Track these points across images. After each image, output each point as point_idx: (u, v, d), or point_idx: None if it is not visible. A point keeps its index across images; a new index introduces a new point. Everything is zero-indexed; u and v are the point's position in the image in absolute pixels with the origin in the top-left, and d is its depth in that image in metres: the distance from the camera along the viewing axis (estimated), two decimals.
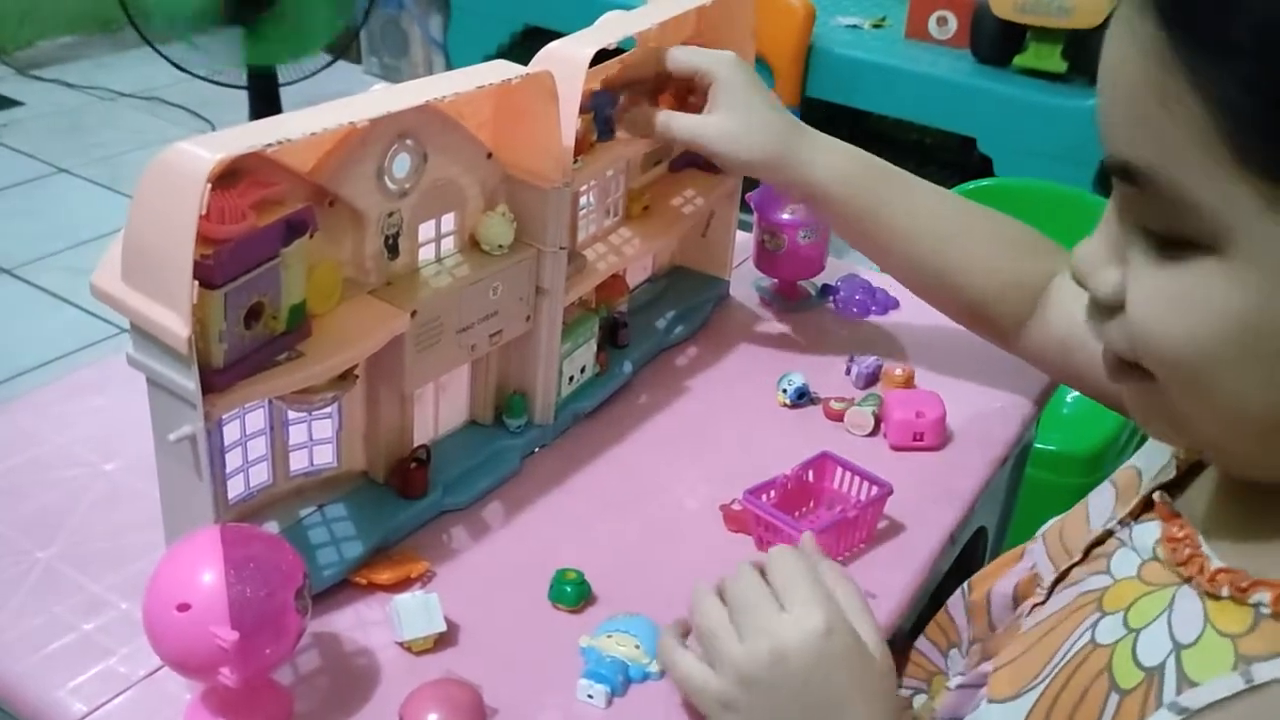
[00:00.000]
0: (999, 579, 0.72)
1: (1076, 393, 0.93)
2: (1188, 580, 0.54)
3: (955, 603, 0.77)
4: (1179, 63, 0.45)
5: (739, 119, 0.88)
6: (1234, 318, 0.47)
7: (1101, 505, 0.65)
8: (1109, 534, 0.62)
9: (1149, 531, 0.59)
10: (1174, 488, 0.61)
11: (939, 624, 0.79)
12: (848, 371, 1.00)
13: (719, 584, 0.68)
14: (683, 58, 0.90)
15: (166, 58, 2.88)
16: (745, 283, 1.13)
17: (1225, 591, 0.52)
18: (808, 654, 0.62)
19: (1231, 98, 0.44)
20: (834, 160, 0.89)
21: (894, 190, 0.91)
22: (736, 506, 0.82)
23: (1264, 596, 0.50)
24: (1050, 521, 0.70)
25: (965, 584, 0.77)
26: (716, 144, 0.88)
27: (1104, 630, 0.56)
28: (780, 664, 0.62)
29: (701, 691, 0.65)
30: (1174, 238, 0.48)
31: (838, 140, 0.91)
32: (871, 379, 0.99)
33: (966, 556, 0.96)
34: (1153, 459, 0.64)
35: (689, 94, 0.95)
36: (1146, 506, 0.61)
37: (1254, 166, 0.44)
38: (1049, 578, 0.65)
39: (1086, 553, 0.63)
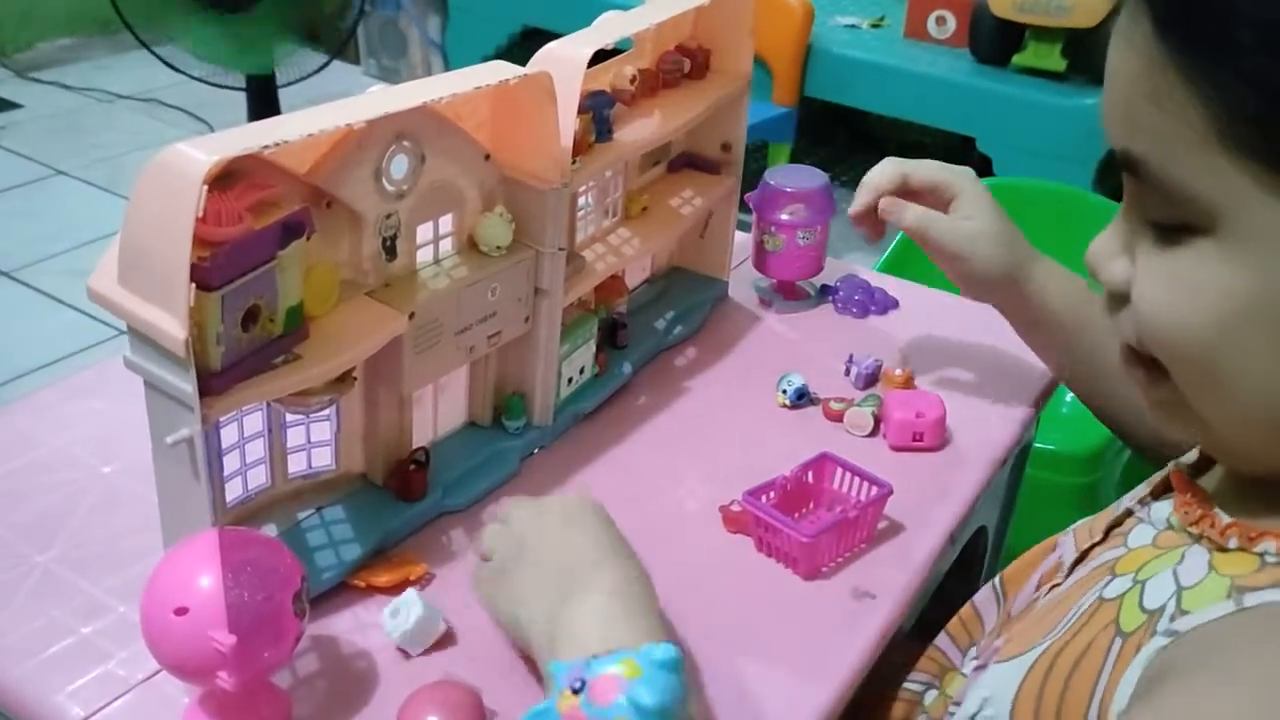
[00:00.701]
0: (1033, 573, 0.72)
1: None
2: (1199, 539, 0.56)
3: (985, 599, 0.77)
4: (1170, 61, 0.49)
5: (987, 228, 0.88)
6: (1231, 295, 0.49)
7: (1131, 499, 0.66)
8: (1129, 513, 0.64)
9: (1166, 506, 0.61)
10: (1195, 471, 0.62)
11: (963, 620, 0.78)
12: (847, 372, 1.00)
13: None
14: (926, 173, 0.91)
15: (162, 59, 2.88)
16: (744, 283, 1.13)
17: (1234, 543, 0.53)
18: (568, 503, 0.70)
19: (1224, 92, 0.47)
20: (1062, 279, 0.89)
21: (1095, 313, 0.88)
22: (736, 507, 0.82)
23: (1270, 545, 0.52)
24: (1083, 520, 0.70)
25: (997, 579, 0.76)
26: (967, 247, 0.88)
27: (1113, 588, 0.57)
28: (541, 513, 0.70)
29: (480, 575, 0.71)
30: (1173, 224, 0.51)
31: (1056, 262, 0.90)
32: (871, 379, 0.99)
33: (967, 556, 0.96)
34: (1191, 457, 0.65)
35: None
36: (1167, 488, 0.63)
37: (1246, 153, 0.47)
38: (1070, 561, 0.66)
39: (1107, 533, 0.64)
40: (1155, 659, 0.51)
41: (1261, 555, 0.52)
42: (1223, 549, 0.54)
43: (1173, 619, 0.52)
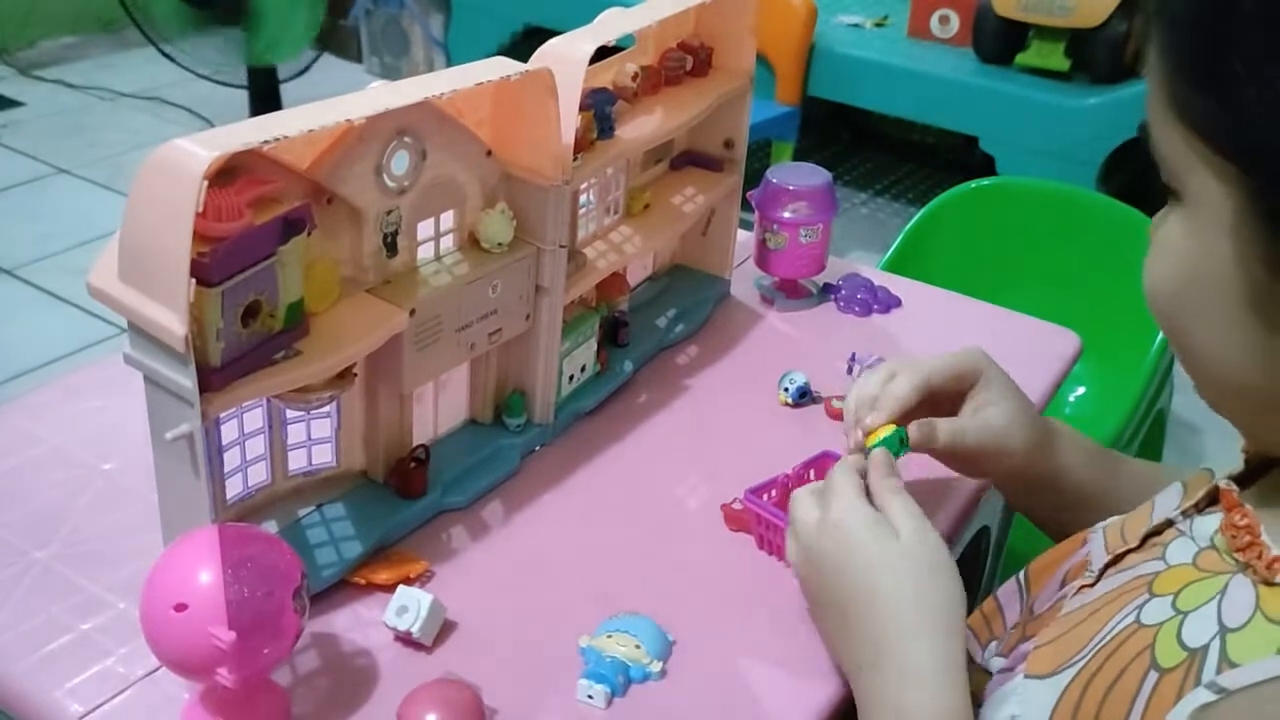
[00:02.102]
0: (1060, 567, 0.71)
1: (1078, 393, 0.93)
2: (1244, 568, 0.54)
3: (1009, 593, 0.76)
4: (1151, 30, 0.52)
5: (1015, 407, 0.80)
6: (1184, 260, 0.53)
7: (1167, 503, 0.65)
8: (1169, 524, 0.62)
9: (1210, 522, 0.59)
10: (1243, 482, 0.61)
11: (984, 614, 0.77)
12: (849, 370, 1.00)
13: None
14: (944, 367, 0.81)
15: (168, 55, 2.88)
16: (746, 281, 1.13)
17: None
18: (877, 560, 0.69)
19: (1170, 49, 0.51)
20: (1080, 443, 0.83)
21: (1120, 474, 0.84)
22: (737, 506, 0.82)
23: None
24: (1113, 518, 0.69)
25: (1022, 572, 0.75)
26: (1005, 438, 0.79)
27: (1150, 612, 0.56)
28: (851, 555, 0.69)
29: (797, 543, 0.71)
30: (1170, 190, 0.54)
31: (1073, 429, 0.85)
32: None
33: (968, 557, 0.96)
34: (1227, 462, 0.64)
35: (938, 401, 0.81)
36: (1211, 501, 0.61)
37: (1189, 123, 0.50)
38: (1100, 563, 0.65)
39: (1144, 541, 0.63)
40: (1198, 718, 0.49)
41: None
42: (1269, 583, 0.52)
43: (1218, 669, 0.50)
